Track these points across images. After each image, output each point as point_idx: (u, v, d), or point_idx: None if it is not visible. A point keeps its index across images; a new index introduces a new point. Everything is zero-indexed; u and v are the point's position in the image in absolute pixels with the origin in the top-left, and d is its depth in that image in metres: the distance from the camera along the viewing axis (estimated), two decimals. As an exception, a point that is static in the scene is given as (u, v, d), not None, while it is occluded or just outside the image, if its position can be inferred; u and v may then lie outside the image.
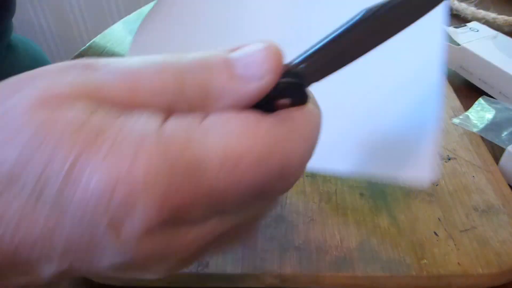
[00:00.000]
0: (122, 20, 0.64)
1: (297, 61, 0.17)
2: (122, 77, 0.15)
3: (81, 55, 0.55)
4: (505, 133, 0.38)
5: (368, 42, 0.18)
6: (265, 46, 0.16)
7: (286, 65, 0.17)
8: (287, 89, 0.16)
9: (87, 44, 0.57)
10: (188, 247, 0.16)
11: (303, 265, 0.27)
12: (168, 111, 0.15)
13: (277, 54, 0.16)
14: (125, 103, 0.15)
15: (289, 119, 0.16)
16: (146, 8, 0.66)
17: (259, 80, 0.15)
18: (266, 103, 0.16)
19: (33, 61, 0.64)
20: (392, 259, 0.28)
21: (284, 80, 0.16)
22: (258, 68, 0.15)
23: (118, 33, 0.60)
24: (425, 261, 0.27)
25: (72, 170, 0.13)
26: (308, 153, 0.17)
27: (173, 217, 0.14)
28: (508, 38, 0.47)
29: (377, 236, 0.29)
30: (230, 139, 0.15)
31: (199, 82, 0.15)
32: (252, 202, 0.16)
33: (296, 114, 0.16)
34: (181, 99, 0.15)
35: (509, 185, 0.32)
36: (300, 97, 0.17)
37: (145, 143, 0.14)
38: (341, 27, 0.17)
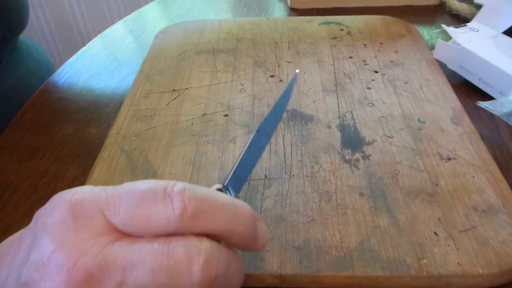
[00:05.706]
0: (122, 20, 0.64)
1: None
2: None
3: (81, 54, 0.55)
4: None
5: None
6: None
7: None
8: None
9: (87, 44, 0.57)
10: None
11: (303, 265, 0.27)
12: None
13: None
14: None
15: None
16: (146, 8, 0.66)
17: None
18: None
19: (37, 64, 0.64)
20: (392, 259, 0.28)
21: None
22: None
23: (118, 33, 0.60)
24: (425, 261, 0.27)
25: None
26: None
27: None
28: (508, 38, 0.47)
29: (377, 236, 0.29)
30: None
31: None
32: None
33: None
34: None
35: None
36: None
37: None
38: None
